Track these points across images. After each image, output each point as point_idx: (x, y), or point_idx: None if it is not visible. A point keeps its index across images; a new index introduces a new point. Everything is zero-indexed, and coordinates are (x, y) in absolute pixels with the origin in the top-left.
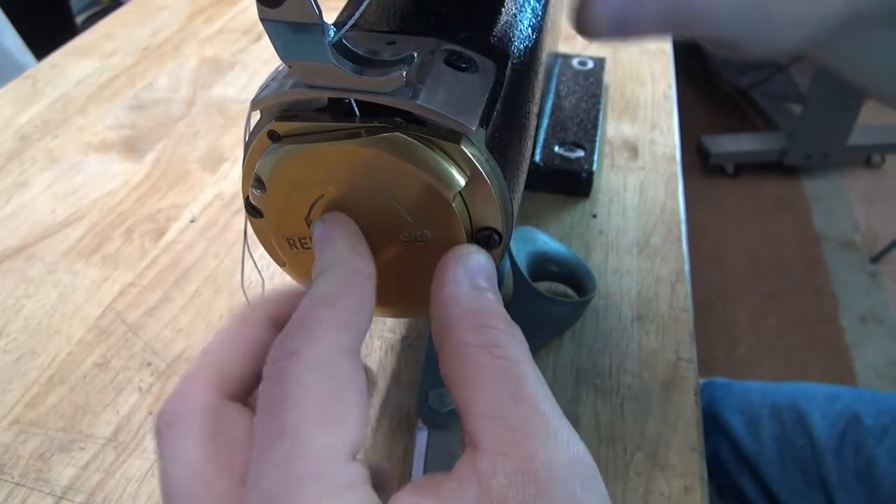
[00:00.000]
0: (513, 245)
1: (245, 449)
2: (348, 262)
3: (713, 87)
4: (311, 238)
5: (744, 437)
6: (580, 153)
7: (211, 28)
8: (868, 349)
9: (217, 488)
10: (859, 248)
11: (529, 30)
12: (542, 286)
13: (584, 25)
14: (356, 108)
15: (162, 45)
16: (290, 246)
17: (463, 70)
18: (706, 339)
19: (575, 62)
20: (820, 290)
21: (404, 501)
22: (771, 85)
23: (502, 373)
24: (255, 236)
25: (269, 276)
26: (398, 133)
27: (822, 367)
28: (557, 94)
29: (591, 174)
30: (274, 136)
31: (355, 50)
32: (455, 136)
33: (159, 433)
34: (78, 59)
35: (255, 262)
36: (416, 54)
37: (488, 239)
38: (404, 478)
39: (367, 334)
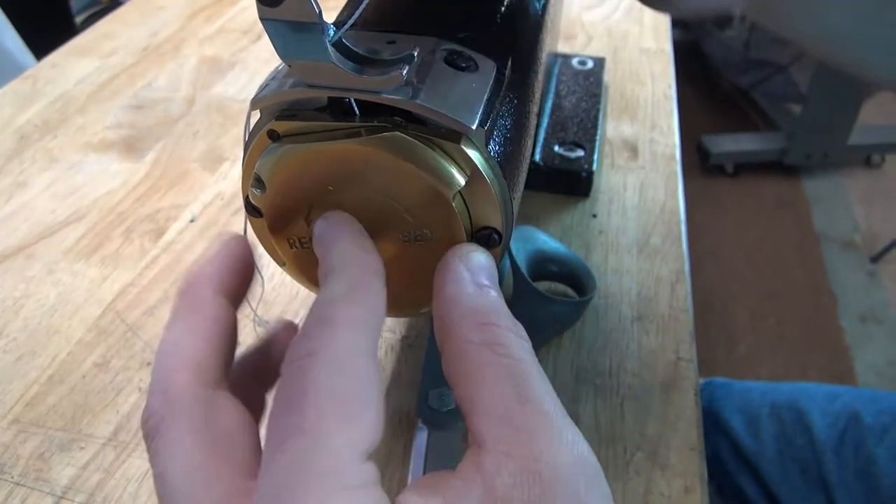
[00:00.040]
0: (513, 245)
1: (241, 439)
2: (358, 260)
3: (713, 86)
4: (311, 237)
5: (744, 436)
6: (580, 153)
7: (211, 27)
8: (868, 349)
9: (220, 484)
10: (859, 248)
11: (529, 29)
12: (542, 286)
13: None
14: (356, 108)
15: (162, 44)
16: (289, 245)
17: (463, 69)
18: (706, 338)
19: (575, 62)
20: (820, 290)
21: (409, 501)
22: (771, 85)
23: (506, 371)
24: (254, 236)
25: (268, 275)
26: (398, 132)
27: (821, 367)
28: (557, 94)
29: (590, 174)
30: (274, 136)
31: (355, 49)
32: (455, 136)
33: (149, 436)
34: (78, 59)
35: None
36: (416, 54)
37: (488, 238)
38: (404, 477)
39: None
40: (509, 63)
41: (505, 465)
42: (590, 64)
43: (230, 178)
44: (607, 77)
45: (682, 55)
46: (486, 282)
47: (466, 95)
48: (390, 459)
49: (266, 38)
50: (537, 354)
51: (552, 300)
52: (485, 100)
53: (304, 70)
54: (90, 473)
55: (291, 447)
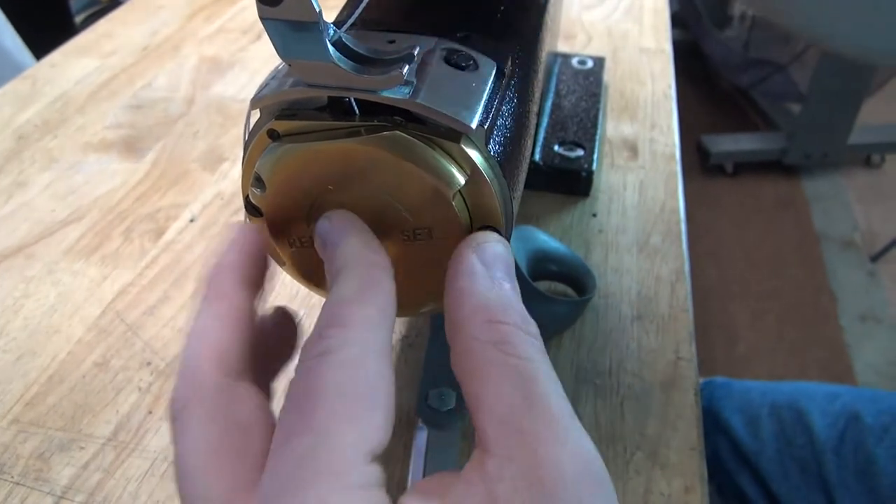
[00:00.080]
0: (512, 244)
1: (257, 431)
2: (366, 258)
3: (712, 86)
4: (311, 237)
5: (743, 436)
6: (580, 152)
7: (210, 27)
8: (867, 348)
9: (231, 473)
10: (859, 248)
11: (529, 28)
12: (542, 285)
13: None
14: (356, 107)
15: (161, 44)
16: (289, 245)
17: (463, 69)
18: (705, 338)
19: (574, 61)
20: (819, 290)
21: (412, 502)
22: (770, 84)
23: (512, 370)
24: None
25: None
26: (398, 132)
27: (821, 366)
28: (557, 94)
29: (590, 173)
30: (274, 135)
31: (355, 49)
32: (455, 135)
33: (172, 419)
34: (77, 59)
35: None
36: (415, 53)
37: None
38: (404, 477)
39: None
40: (509, 62)
41: (507, 470)
42: (589, 63)
43: (230, 177)
44: (607, 76)
45: (681, 55)
46: (500, 274)
47: (466, 95)
48: (390, 459)
49: (266, 38)
50: None
51: (552, 300)
52: (484, 99)
53: (304, 69)
54: (90, 473)
55: (297, 444)
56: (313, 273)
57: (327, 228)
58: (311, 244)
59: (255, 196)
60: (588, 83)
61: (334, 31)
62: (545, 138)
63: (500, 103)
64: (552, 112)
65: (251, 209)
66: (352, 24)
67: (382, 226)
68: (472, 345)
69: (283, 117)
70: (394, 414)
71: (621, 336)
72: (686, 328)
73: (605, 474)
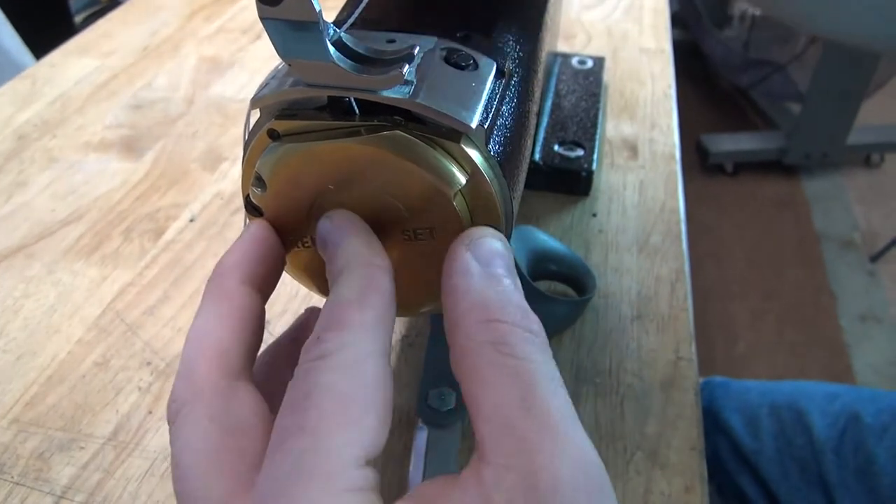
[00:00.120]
0: (512, 244)
1: (256, 432)
2: (366, 260)
3: (712, 86)
4: (312, 237)
5: (743, 435)
6: (580, 152)
7: (210, 27)
8: (867, 348)
9: (228, 475)
10: (858, 247)
11: (529, 28)
12: (542, 285)
13: None
14: (356, 107)
15: (161, 44)
16: (290, 245)
17: (463, 68)
18: (705, 337)
19: (574, 61)
20: (819, 289)
21: None
22: (770, 84)
23: (510, 372)
24: None
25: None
26: (398, 131)
27: (821, 366)
28: (557, 93)
29: (590, 173)
30: (274, 135)
31: (355, 48)
32: (455, 135)
33: (170, 419)
34: (77, 59)
35: None
36: (415, 53)
37: None
38: (404, 477)
39: None
40: (509, 62)
41: (504, 479)
42: (589, 63)
43: (230, 177)
44: (607, 76)
45: (681, 54)
46: (497, 270)
47: (466, 94)
48: (390, 459)
49: (265, 38)
50: None
51: (552, 299)
52: (485, 99)
53: (304, 69)
54: (90, 473)
55: (291, 446)
56: (314, 273)
57: (328, 228)
58: (312, 244)
59: (256, 196)
60: (588, 83)
61: (334, 30)
62: (545, 138)
63: (500, 103)
64: (552, 112)
65: (251, 209)
66: (352, 24)
67: (383, 226)
68: (468, 345)
69: (284, 117)
70: (391, 417)
71: (621, 336)
72: (686, 328)
73: (604, 480)
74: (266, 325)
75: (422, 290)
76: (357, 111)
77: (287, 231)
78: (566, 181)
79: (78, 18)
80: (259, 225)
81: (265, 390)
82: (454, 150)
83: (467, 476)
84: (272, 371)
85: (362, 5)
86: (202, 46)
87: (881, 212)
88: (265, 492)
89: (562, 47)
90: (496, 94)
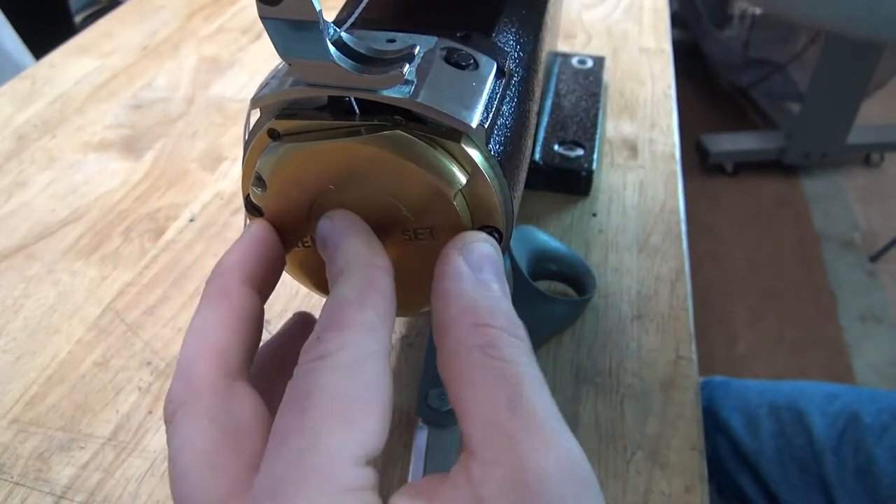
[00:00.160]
0: (512, 244)
1: (254, 432)
2: (367, 260)
3: (712, 85)
4: (312, 237)
5: (742, 435)
6: (580, 152)
7: (210, 27)
8: (867, 348)
9: (226, 474)
10: (858, 247)
11: (529, 28)
12: (542, 285)
13: None
14: (356, 107)
15: (161, 44)
16: (291, 245)
17: (463, 68)
18: (705, 337)
19: (574, 61)
20: (819, 289)
21: (398, 503)
22: (770, 83)
23: (498, 374)
24: None
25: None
26: (399, 131)
27: (820, 366)
28: (557, 93)
29: (590, 173)
30: (274, 135)
31: (355, 48)
32: (455, 135)
33: (167, 419)
34: (76, 59)
35: None
36: (416, 52)
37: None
38: (404, 477)
39: None
40: (509, 62)
41: (492, 474)
42: (589, 63)
43: (230, 177)
44: (607, 76)
45: (681, 54)
46: (487, 276)
47: (467, 94)
48: (390, 459)
49: (265, 38)
50: (537, 353)
51: (552, 299)
52: (485, 98)
53: (305, 69)
54: (90, 473)
55: (289, 446)
56: (314, 273)
57: (328, 228)
58: (312, 244)
59: (256, 196)
60: (588, 83)
61: (334, 30)
62: (545, 138)
63: (501, 103)
64: (552, 111)
65: (251, 209)
66: (352, 24)
67: (383, 225)
68: (457, 348)
69: (284, 117)
70: (390, 418)
71: (621, 336)
72: (686, 328)
73: (590, 476)
74: (266, 324)
75: (422, 290)
76: (357, 111)
77: (287, 231)
78: (566, 181)
79: (78, 18)
80: (259, 225)
81: (259, 392)
82: (454, 150)
83: (456, 472)
84: (264, 373)
85: (362, 5)
86: (202, 46)
87: (881, 211)
88: (264, 491)
89: (562, 47)
90: (496, 93)
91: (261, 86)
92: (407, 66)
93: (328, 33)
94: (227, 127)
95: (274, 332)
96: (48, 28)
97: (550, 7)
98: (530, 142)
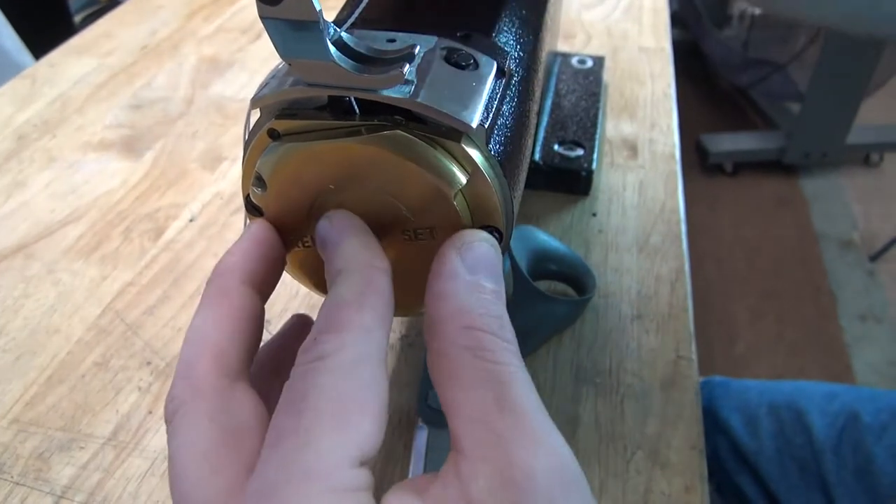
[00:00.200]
0: (512, 244)
1: (254, 432)
2: (365, 261)
3: (712, 85)
4: (312, 237)
5: (742, 435)
6: (580, 152)
7: (209, 27)
8: (867, 348)
9: (225, 475)
10: (858, 247)
11: (529, 28)
12: (542, 285)
13: None
14: (356, 107)
15: (160, 44)
16: (291, 245)
17: (463, 68)
18: (704, 337)
19: (574, 61)
20: (819, 289)
21: (390, 500)
22: (769, 83)
23: (487, 374)
24: None
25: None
26: (399, 131)
27: (820, 366)
28: (557, 93)
29: (590, 173)
30: (274, 135)
31: (355, 48)
32: (455, 135)
33: (168, 418)
34: (76, 58)
35: None
36: (416, 52)
37: None
38: (404, 477)
39: None
40: (509, 62)
41: (481, 471)
42: (589, 63)
43: (229, 177)
44: (607, 76)
45: (681, 54)
46: (482, 278)
47: (467, 94)
48: (390, 458)
49: (265, 37)
50: (537, 353)
51: (552, 299)
52: (485, 98)
53: (305, 69)
54: (90, 473)
55: (285, 446)
56: (315, 274)
57: (328, 229)
58: (312, 244)
59: (256, 196)
60: (588, 82)
61: (334, 30)
62: (545, 137)
63: (501, 103)
64: (552, 111)
65: (251, 209)
66: (352, 24)
67: (384, 225)
68: (447, 349)
69: (284, 117)
70: (386, 419)
71: (621, 335)
72: (686, 327)
73: (579, 474)
74: (266, 325)
75: (422, 290)
76: (357, 111)
77: (287, 231)
78: (566, 181)
79: (77, 18)
80: (259, 225)
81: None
82: (455, 150)
83: (446, 470)
84: (263, 374)
85: (363, 5)
86: (202, 46)
87: (880, 211)
88: (259, 491)
89: (562, 47)
90: (497, 93)
91: (261, 86)
92: (407, 65)
93: (328, 33)
94: (226, 127)
95: (274, 332)
96: (48, 28)
97: (550, 7)
98: (530, 142)
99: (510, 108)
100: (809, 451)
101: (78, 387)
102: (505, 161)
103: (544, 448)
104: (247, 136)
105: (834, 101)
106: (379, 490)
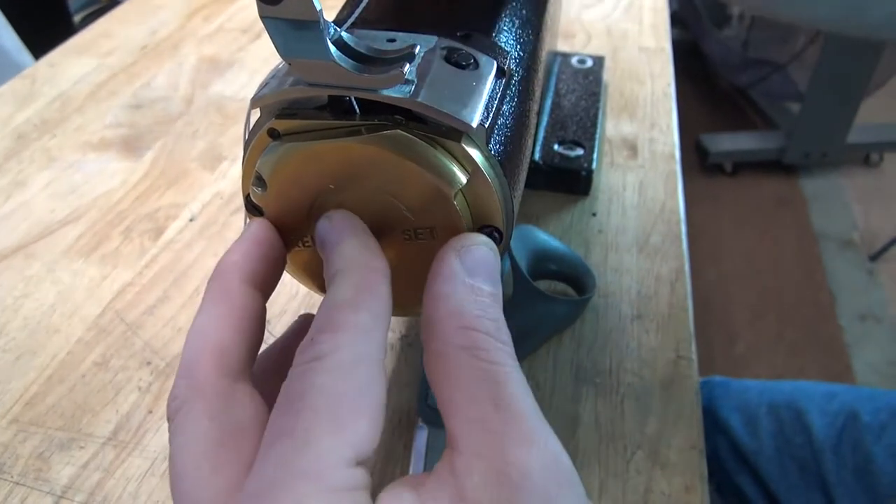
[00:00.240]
0: (512, 244)
1: (254, 433)
2: (364, 262)
3: (712, 85)
4: (312, 237)
5: (742, 435)
6: (579, 151)
7: (209, 26)
8: (866, 348)
9: (224, 474)
10: (858, 247)
11: (529, 27)
12: (542, 285)
13: None
14: (356, 106)
15: (160, 43)
16: (291, 245)
17: (463, 67)
18: (704, 337)
19: (574, 60)
20: (818, 289)
21: (385, 498)
22: (769, 83)
23: (483, 374)
24: None
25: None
26: (399, 131)
27: (820, 366)
28: (557, 93)
29: (590, 172)
30: (274, 134)
31: (355, 47)
32: (456, 134)
33: (170, 418)
34: (76, 58)
35: None
36: (416, 52)
37: (489, 237)
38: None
39: None
40: (509, 61)
41: (476, 467)
42: (589, 62)
43: (229, 177)
44: (606, 76)
45: (680, 54)
46: (480, 280)
47: (467, 94)
48: (390, 458)
49: (265, 37)
50: (537, 353)
51: (552, 299)
52: (485, 98)
53: (305, 68)
54: (90, 473)
55: (281, 446)
56: (315, 273)
57: (327, 229)
58: (312, 244)
59: (256, 195)
60: (588, 82)
61: (335, 29)
62: (545, 137)
63: (501, 102)
64: (552, 111)
65: (252, 208)
66: (352, 23)
67: (384, 225)
68: (444, 349)
69: (284, 116)
70: (383, 419)
71: (621, 335)
72: (686, 327)
73: (573, 473)
74: (266, 324)
75: (422, 290)
76: (358, 110)
77: (288, 230)
78: (566, 180)
79: (77, 18)
80: (259, 224)
81: (261, 392)
82: (455, 150)
83: (441, 467)
84: (267, 375)
85: (363, 4)
86: (202, 46)
87: (880, 211)
88: (255, 491)
89: (561, 46)
90: (497, 93)
91: (261, 85)
92: (407, 65)
93: (328, 33)
94: (226, 126)
95: (275, 332)
96: (48, 28)
97: (550, 6)
98: (530, 141)
99: (510, 108)
100: (809, 451)
101: (78, 386)
102: (505, 161)
103: (540, 447)
104: (247, 136)
105: (834, 101)
106: (378, 490)
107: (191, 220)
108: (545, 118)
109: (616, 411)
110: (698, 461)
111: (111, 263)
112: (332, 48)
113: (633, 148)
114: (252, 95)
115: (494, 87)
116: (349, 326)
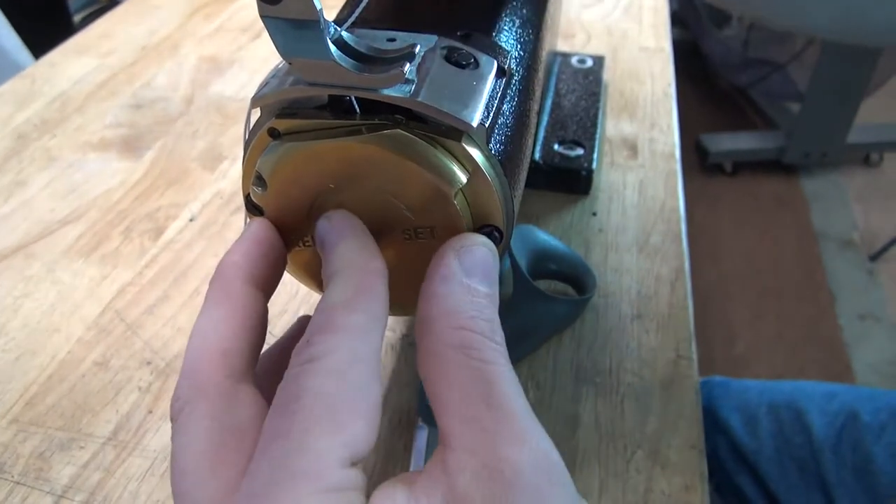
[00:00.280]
0: (512, 243)
1: (255, 433)
2: (361, 263)
3: (711, 85)
4: (312, 236)
5: (742, 435)
6: (580, 151)
7: (209, 26)
8: (866, 347)
9: (224, 475)
10: (857, 247)
11: (530, 27)
12: (542, 284)
13: None
14: (356, 106)
15: (160, 43)
16: (291, 244)
17: (463, 67)
18: (704, 337)
19: (574, 60)
20: (818, 289)
21: (378, 496)
22: (769, 83)
23: (475, 373)
24: None
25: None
26: (399, 130)
27: (820, 366)
28: (557, 92)
29: (590, 172)
30: (274, 134)
31: (356, 47)
32: (456, 134)
33: (173, 417)
34: (76, 58)
35: None
36: (416, 51)
37: (489, 237)
38: None
39: None
40: (510, 61)
41: (468, 463)
42: (589, 62)
43: (229, 176)
44: (607, 75)
45: (680, 54)
46: (477, 281)
47: (467, 93)
48: (390, 458)
49: (265, 37)
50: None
51: (552, 299)
52: (485, 98)
53: (305, 68)
54: (90, 472)
55: (277, 447)
56: (315, 273)
57: (326, 229)
58: (313, 243)
59: (256, 195)
60: (588, 82)
61: (335, 29)
62: (545, 137)
63: (501, 102)
64: (552, 111)
65: (252, 208)
66: (352, 23)
67: (384, 225)
68: (437, 348)
69: (284, 116)
70: (379, 420)
71: (621, 335)
72: (686, 327)
73: (564, 471)
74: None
75: None
76: (358, 110)
77: (288, 230)
78: (566, 180)
79: (77, 18)
80: (260, 224)
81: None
82: (455, 149)
83: (433, 464)
84: (267, 375)
85: (363, 4)
86: (202, 45)
87: (880, 211)
88: (251, 491)
89: (561, 46)
90: (497, 92)
91: (261, 85)
92: (407, 65)
93: (329, 32)
94: (226, 126)
95: (275, 332)
96: (48, 27)
97: (550, 6)
98: (531, 141)
99: (510, 108)
100: (809, 451)
101: (78, 386)
102: (505, 160)
103: (531, 445)
104: (247, 136)
105: (834, 101)
106: (373, 489)
107: (191, 219)
108: (545, 118)
109: (616, 411)
110: (698, 461)
111: (111, 263)
112: (333, 48)
113: (633, 148)
114: (252, 95)
115: (495, 86)
116: (345, 328)
